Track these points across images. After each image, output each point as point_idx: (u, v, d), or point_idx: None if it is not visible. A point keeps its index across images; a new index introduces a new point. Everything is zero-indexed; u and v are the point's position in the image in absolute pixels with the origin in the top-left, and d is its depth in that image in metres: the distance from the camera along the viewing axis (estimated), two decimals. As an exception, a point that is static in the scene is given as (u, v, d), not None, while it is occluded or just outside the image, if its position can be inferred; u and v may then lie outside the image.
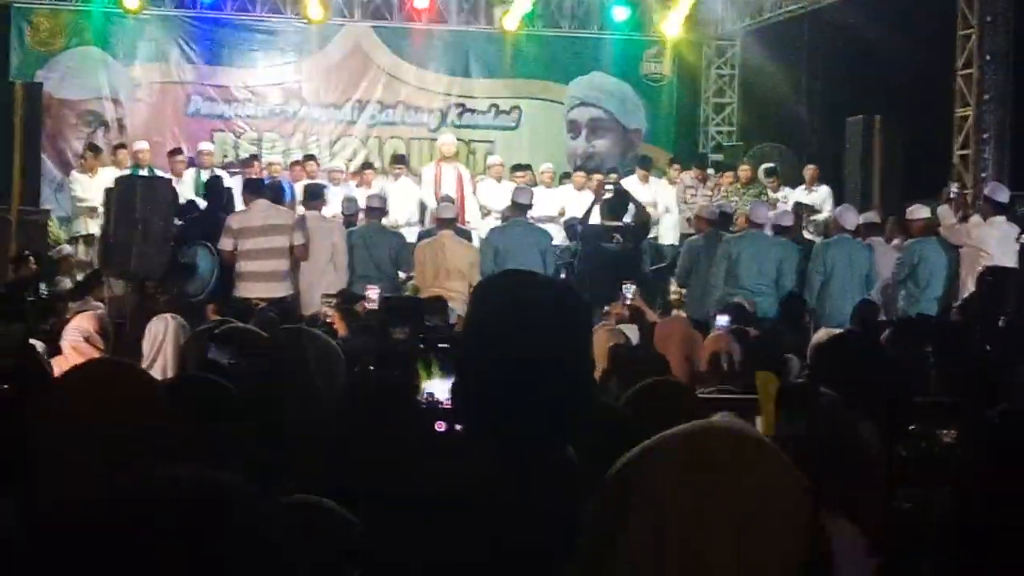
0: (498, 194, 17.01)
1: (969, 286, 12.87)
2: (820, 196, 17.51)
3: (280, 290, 12.43)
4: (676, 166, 18.92)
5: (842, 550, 3.02)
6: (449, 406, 2.95)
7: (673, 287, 15.26)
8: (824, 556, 1.73)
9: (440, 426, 2.95)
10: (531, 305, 2.76)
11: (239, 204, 13.99)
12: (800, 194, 17.62)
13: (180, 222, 13.18)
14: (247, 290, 12.31)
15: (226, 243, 12.49)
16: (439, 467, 2.85)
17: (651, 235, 16.41)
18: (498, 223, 15.10)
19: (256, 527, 1.46)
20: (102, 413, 2.59)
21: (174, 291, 11.94)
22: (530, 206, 14.21)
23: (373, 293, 11.20)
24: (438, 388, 3.20)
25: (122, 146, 17.81)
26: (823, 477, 3.02)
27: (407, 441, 3.03)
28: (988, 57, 16.59)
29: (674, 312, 12.02)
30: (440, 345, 3.13)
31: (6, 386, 4.52)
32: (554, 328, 2.74)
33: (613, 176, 17.03)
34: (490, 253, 13.26)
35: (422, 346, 3.27)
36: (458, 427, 2.95)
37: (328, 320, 9.57)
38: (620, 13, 21.27)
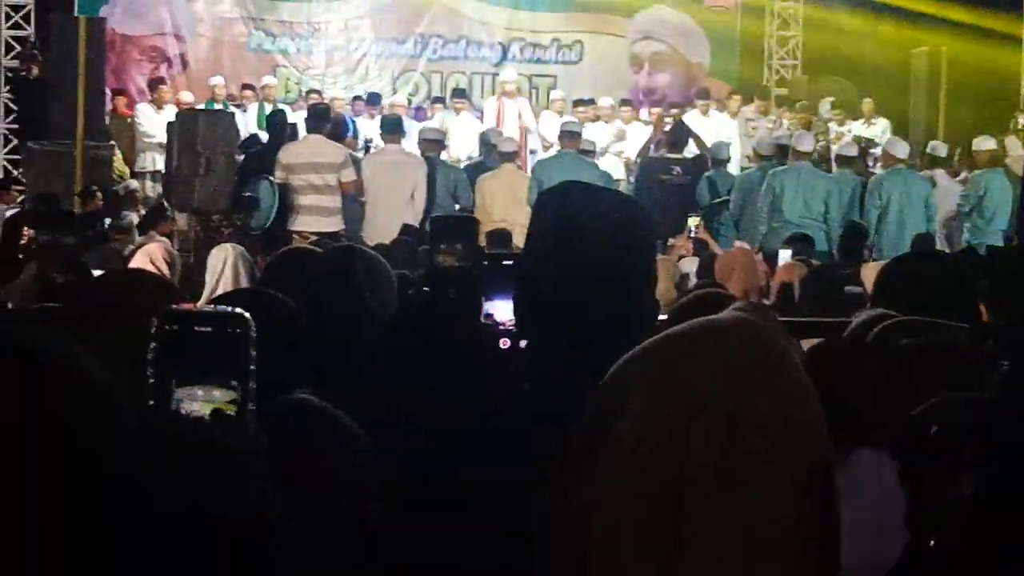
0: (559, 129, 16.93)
1: (1036, 219, 12.75)
2: (878, 129, 17.30)
3: (331, 224, 12.51)
4: (736, 97, 18.76)
5: (866, 480, 2.93)
6: (511, 326, 2.94)
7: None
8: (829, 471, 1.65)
9: (504, 343, 2.94)
10: (593, 217, 2.74)
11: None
12: (859, 128, 17.44)
13: (243, 155, 13.27)
14: (300, 223, 12.45)
15: (279, 176, 12.62)
16: (495, 385, 2.85)
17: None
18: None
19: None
20: (123, 313, 2.58)
21: (238, 224, 12.00)
22: (578, 135, 14.12)
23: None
24: (499, 309, 3.19)
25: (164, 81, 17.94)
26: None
27: (466, 359, 3.03)
28: (1058, -12, 16.35)
29: (736, 243, 11.93)
30: (504, 263, 3.11)
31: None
32: (617, 240, 2.72)
33: (674, 111, 16.94)
34: (536, 186, 13.14)
35: (485, 263, 3.25)
36: (522, 344, 2.96)
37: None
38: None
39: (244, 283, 6.75)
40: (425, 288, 4.16)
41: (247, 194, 12.62)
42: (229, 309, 1.86)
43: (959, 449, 2.29)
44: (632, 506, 1.59)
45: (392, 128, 13.80)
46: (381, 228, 12.42)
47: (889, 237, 12.63)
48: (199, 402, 1.80)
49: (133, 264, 8.25)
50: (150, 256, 8.28)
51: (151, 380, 1.78)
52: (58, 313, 3.13)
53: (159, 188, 15.24)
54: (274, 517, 1.61)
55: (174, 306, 1.86)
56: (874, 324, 3.69)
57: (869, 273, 9.16)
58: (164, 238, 11.30)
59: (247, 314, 1.84)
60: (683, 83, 21.41)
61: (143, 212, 13.21)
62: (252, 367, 1.83)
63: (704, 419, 1.56)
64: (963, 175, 14.12)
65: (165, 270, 8.05)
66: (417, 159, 13.73)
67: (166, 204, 12.75)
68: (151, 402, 1.76)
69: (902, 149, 13.65)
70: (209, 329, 1.83)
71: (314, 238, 11.65)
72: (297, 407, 2.10)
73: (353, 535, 2.07)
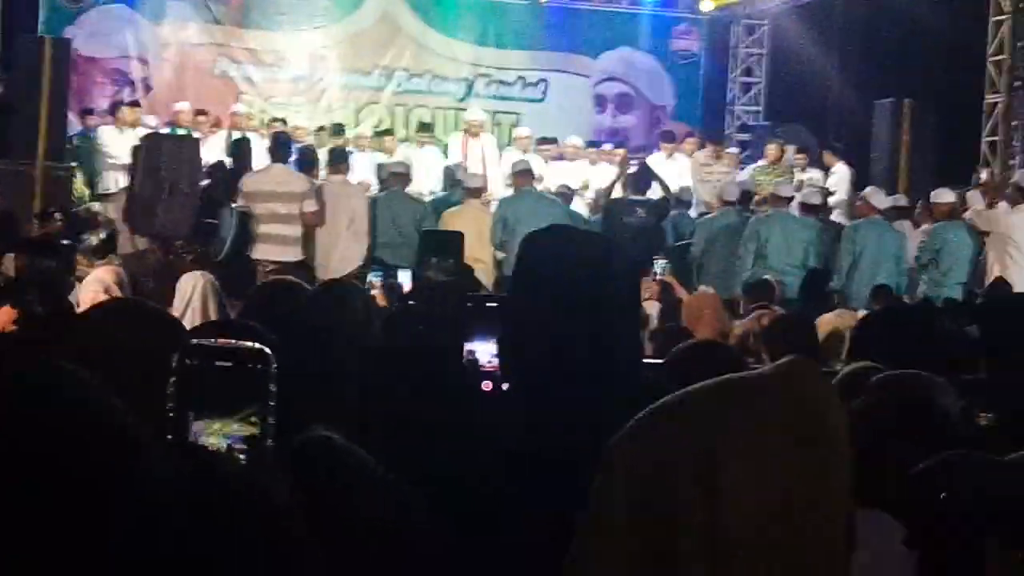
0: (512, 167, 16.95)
1: (995, 272, 12.83)
2: (837, 178, 17.34)
3: (292, 254, 12.54)
4: (691, 140, 18.81)
5: (871, 541, 2.84)
6: (491, 368, 2.92)
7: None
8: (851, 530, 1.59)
9: (486, 386, 2.92)
10: (582, 260, 2.75)
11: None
12: (819, 176, 17.50)
13: (207, 182, 13.23)
14: (261, 252, 12.46)
15: (241, 204, 12.61)
16: (480, 423, 2.84)
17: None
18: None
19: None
20: (126, 347, 2.55)
21: (199, 251, 11.93)
22: (530, 172, 14.19)
23: (406, 278, 11.39)
24: (480, 349, 3.16)
25: (135, 104, 17.81)
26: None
27: (452, 400, 3.01)
28: (1020, 44, 16.48)
29: (701, 288, 11.95)
30: (488, 304, 3.10)
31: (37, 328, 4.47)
32: (605, 283, 2.73)
33: (639, 153, 17.03)
34: (500, 224, 13.16)
35: (470, 304, 3.22)
36: (504, 387, 2.94)
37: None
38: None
39: (212, 312, 6.71)
40: (412, 301, 4.12)
41: (209, 221, 12.58)
42: (251, 344, 1.86)
43: (974, 517, 2.28)
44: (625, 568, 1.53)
45: (335, 160, 13.81)
46: (320, 260, 12.51)
47: (860, 286, 12.67)
48: (216, 436, 1.80)
49: (85, 291, 8.14)
50: (102, 282, 8.19)
51: (170, 413, 1.78)
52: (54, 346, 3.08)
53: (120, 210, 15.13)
54: (296, 551, 1.58)
55: (195, 340, 1.85)
56: (860, 376, 3.69)
57: (824, 321, 9.21)
58: (118, 263, 11.20)
59: (268, 350, 1.84)
60: (646, 125, 21.51)
61: (103, 235, 13.09)
62: (272, 403, 1.82)
63: (702, 477, 1.47)
64: (924, 227, 14.19)
65: (119, 295, 7.97)
66: (355, 188, 13.79)
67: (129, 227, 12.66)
68: (169, 436, 1.75)
69: (881, 199, 13.76)
70: (229, 364, 1.83)
71: (273, 267, 11.65)
72: (323, 444, 2.08)
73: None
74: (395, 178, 14.25)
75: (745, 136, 21.37)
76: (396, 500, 2.17)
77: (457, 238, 9.13)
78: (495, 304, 3.13)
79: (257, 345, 1.86)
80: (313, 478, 1.92)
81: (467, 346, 3.15)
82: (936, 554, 2.39)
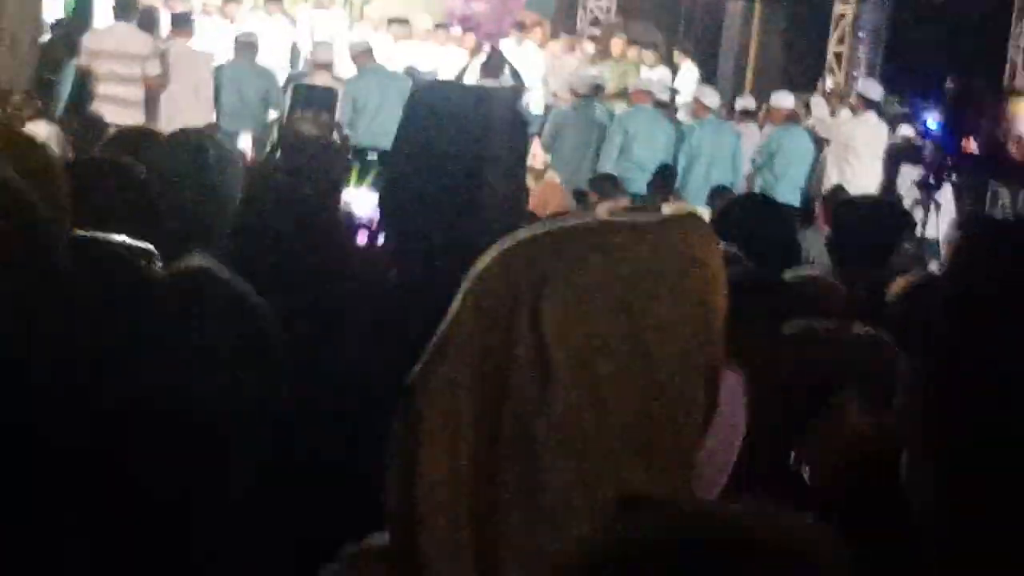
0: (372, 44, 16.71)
1: (834, 179, 13.02)
2: (684, 77, 17.43)
3: (131, 117, 12.19)
4: (540, 29, 18.77)
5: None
6: (366, 220, 2.89)
7: (539, 154, 15.15)
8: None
9: (361, 238, 2.89)
10: (462, 114, 2.72)
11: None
12: (666, 74, 17.58)
13: (48, 38, 12.87)
14: (100, 112, 12.12)
15: (83, 62, 12.26)
16: (356, 277, 2.81)
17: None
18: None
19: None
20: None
21: (38, 106, 11.59)
22: (370, 51, 13.96)
23: (247, 143, 11.27)
24: (356, 200, 3.12)
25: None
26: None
27: (324, 252, 2.97)
28: (872, -45, 16.72)
29: (548, 176, 11.98)
30: (369, 157, 3.04)
31: None
32: (486, 139, 2.70)
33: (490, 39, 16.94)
34: (349, 103, 12.80)
35: (349, 156, 3.17)
36: (379, 241, 2.91)
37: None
38: None
39: (57, 163, 6.54)
40: (279, 155, 4.02)
41: (49, 77, 12.25)
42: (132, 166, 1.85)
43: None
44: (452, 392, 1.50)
45: (179, 23, 13.49)
46: (163, 126, 12.22)
47: (695, 184, 12.81)
48: None
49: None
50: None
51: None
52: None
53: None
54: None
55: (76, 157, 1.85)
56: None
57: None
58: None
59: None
60: (499, 13, 21.31)
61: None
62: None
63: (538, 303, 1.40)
64: (766, 130, 14.34)
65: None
66: (200, 55, 13.51)
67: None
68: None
69: (713, 98, 13.88)
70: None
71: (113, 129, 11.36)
72: (205, 273, 2.03)
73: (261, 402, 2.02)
74: (241, 48, 13.95)
75: (596, 31, 21.33)
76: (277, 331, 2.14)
77: (330, 94, 8.84)
78: (375, 156, 3.09)
79: (139, 167, 1.86)
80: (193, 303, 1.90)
81: (344, 197, 3.11)
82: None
